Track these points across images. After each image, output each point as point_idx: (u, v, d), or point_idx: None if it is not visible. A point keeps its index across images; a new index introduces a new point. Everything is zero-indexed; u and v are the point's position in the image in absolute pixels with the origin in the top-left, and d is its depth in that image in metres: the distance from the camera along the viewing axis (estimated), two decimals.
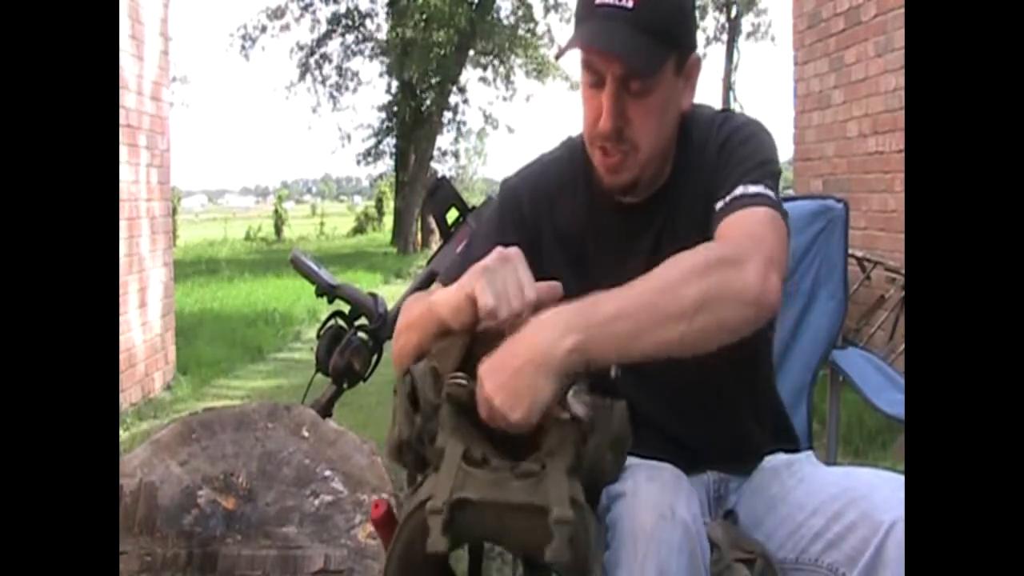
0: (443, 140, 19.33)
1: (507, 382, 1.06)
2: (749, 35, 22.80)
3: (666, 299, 1.09)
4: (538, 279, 1.16)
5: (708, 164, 1.32)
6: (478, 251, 1.28)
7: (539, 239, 1.38)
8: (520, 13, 18.41)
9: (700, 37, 22.51)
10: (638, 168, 1.31)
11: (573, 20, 1.33)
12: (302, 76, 18.60)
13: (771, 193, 1.25)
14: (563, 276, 1.21)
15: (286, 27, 18.26)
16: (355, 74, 19.06)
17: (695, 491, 1.24)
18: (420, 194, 15.93)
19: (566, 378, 1.08)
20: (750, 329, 1.14)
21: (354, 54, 18.80)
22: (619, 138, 1.28)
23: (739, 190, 1.25)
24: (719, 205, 1.25)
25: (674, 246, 1.19)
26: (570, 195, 1.39)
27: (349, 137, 21.36)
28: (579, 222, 1.38)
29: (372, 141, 18.94)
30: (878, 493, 1.21)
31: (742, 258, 1.13)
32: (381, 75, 19.10)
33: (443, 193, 2.02)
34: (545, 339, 1.07)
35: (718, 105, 1.67)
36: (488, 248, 1.21)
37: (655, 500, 1.15)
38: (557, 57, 1.37)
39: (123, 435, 4.20)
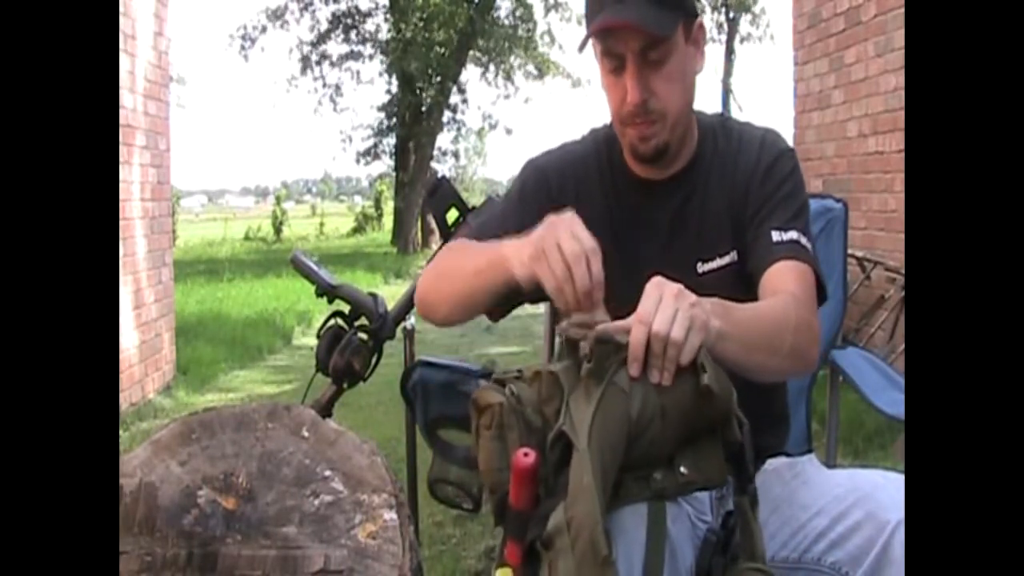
0: (443, 140, 19.29)
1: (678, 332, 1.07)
2: (743, 41, 22.58)
3: (775, 334, 1.24)
4: None
5: (746, 168, 1.43)
6: (494, 224, 1.44)
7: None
8: (520, 13, 18.38)
9: None
10: (667, 132, 1.40)
11: (587, 16, 1.40)
12: (303, 71, 18.57)
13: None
14: None
15: (285, 24, 18.19)
16: (356, 74, 19.03)
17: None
18: (420, 194, 15.90)
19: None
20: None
21: (354, 54, 18.77)
22: (647, 109, 1.37)
23: (794, 234, 1.38)
24: (776, 237, 1.38)
25: (696, 224, 1.43)
26: (595, 174, 1.49)
27: (350, 139, 21.35)
28: (604, 199, 1.47)
29: (372, 141, 18.91)
30: (883, 493, 1.22)
31: (813, 326, 1.31)
32: (381, 74, 19.06)
33: (443, 193, 2.02)
34: (700, 314, 1.10)
35: (717, 105, 1.70)
36: (506, 223, 1.39)
37: None
38: (581, 48, 1.41)
39: (123, 435, 4.20)
